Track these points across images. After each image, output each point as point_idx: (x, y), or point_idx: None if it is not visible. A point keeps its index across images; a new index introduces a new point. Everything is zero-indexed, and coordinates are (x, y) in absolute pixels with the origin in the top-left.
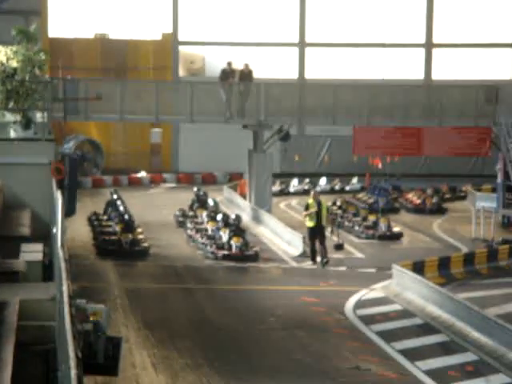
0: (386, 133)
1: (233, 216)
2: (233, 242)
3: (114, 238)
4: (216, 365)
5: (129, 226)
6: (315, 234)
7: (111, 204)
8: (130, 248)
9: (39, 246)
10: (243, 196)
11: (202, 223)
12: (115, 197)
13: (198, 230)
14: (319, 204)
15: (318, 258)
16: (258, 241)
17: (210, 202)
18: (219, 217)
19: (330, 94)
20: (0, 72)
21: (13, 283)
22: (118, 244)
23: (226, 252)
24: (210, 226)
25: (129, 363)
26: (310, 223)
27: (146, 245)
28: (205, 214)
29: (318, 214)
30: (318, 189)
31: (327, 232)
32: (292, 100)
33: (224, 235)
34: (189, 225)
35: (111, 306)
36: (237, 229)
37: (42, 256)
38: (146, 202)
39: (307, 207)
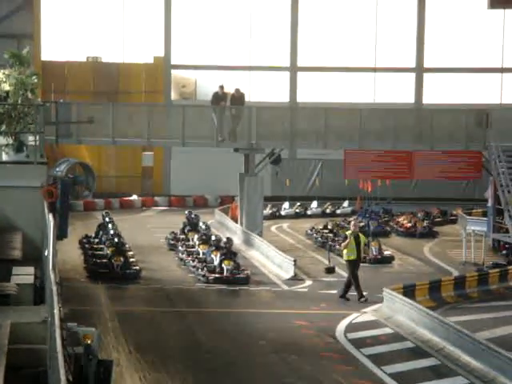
0: (376, 156)
1: (224, 239)
2: (224, 265)
3: (105, 260)
4: None
5: (120, 249)
6: (356, 268)
7: (103, 227)
8: (121, 271)
9: (31, 269)
10: (234, 219)
11: (193, 246)
12: (107, 219)
13: (189, 253)
14: (357, 237)
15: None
16: (249, 264)
17: (202, 225)
18: (211, 239)
19: (322, 118)
20: None
21: (4, 306)
22: (110, 267)
23: (217, 275)
24: (201, 249)
25: None
26: (350, 256)
27: (137, 268)
28: (196, 237)
29: (358, 247)
30: (309, 212)
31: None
32: (283, 123)
33: (215, 258)
34: (180, 248)
35: (102, 329)
36: (228, 252)
37: (33, 279)
38: (138, 225)
39: (345, 239)
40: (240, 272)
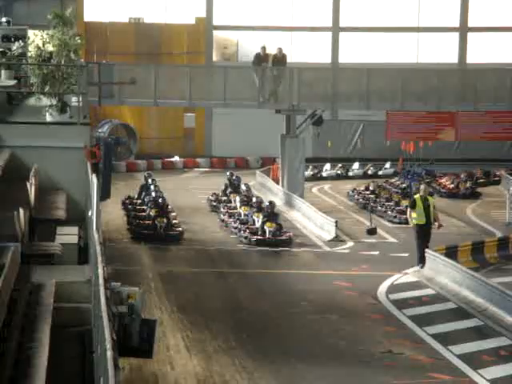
0: (419, 117)
1: (266, 202)
2: (266, 227)
3: (148, 222)
4: (249, 348)
5: (163, 210)
6: (424, 234)
7: (145, 188)
8: (164, 232)
9: (74, 229)
10: (276, 181)
11: (235, 208)
12: (149, 181)
13: (230, 215)
14: (426, 200)
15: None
16: (290, 225)
17: (243, 187)
18: (252, 201)
19: (364, 79)
20: (36, 56)
21: (49, 265)
22: (153, 228)
23: (259, 237)
24: (243, 211)
25: (163, 346)
26: (418, 221)
27: (180, 229)
28: (238, 198)
29: (427, 211)
30: (351, 173)
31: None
32: (325, 85)
33: (257, 220)
34: (222, 209)
35: (145, 289)
36: (270, 214)
37: (77, 239)
38: (180, 186)
39: (414, 203)
40: (282, 234)
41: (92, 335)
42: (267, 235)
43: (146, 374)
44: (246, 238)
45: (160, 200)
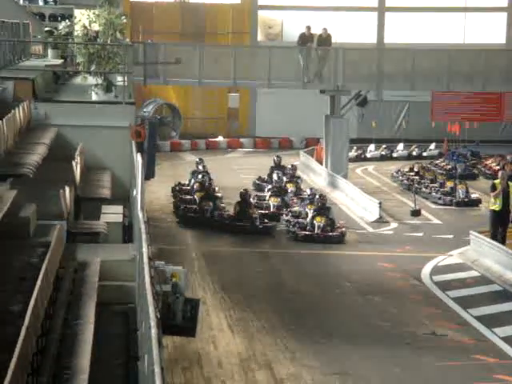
0: (465, 98)
1: (317, 196)
2: (316, 222)
3: (194, 206)
4: (292, 328)
5: (209, 193)
6: (499, 219)
7: (196, 174)
8: (210, 215)
9: (119, 208)
10: (320, 161)
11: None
12: (200, 167)
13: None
14: (507, 185)
15: None
16: (334, 206)
17: (288, 168)
18: (307, 192)
19: (409, 59)
20: (82, 35)
21: (93, 244)
22: (200, 212)
23: (307, 232)
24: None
25: (206, 325)
26: (494, 206)
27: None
28: (290, 189)
29: (505, 196)
30: (395, 154)
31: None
32: (370, 65)
33: (309, 212)
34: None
35: (188, 268)
36: (322, 207)
37: (122, 217)
38: (224, 167)
39: (494, 187)
40: (334, 230)
41: (136, 313)
42: (316, 230)
43: (189, 352)
44: (293, 233)
45: (207, 184)
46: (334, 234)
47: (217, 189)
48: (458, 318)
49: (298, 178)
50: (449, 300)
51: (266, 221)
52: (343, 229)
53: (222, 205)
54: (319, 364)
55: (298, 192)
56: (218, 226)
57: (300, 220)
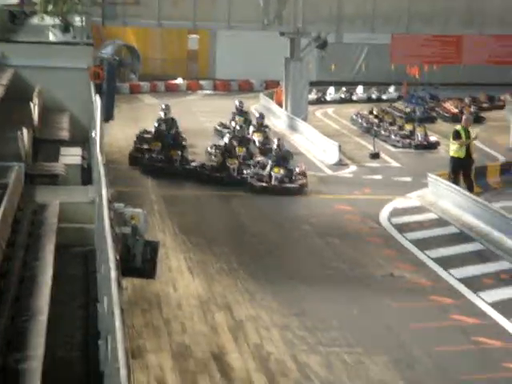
0: (424, 41)
1: (275, 142)
2: (273, 173)
3: (160, 157)
4: (251, 269)
5: (176, 142)
6: (462, 166)
7: (162, 121)
8: (180, 166)
9: (78, 150)
10: (279, 104)
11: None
12: (163, 114)
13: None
14: (467, 132)
15: None
16: (293, 149)
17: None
18: (274, 142)
19: (369, 1)
20: None
21: (52, 186)
22: (168, 162)
23: (263, 183)
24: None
25: (165, 267)
26: (456, 153)
27: (195, 164)
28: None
29: (468, 144)
30: (354, 97)
31: None
32: (330, 7)
33: (269, 162)
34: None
35: (148, 210)
36: (281, 156)
37: (80, 159)
38: (184, 109)
39: (457, 135)
40: (292, 181)
41: (95, 255)
42: (273, 182)
43: (148, 294)
44: (251, 185)
45: (173, 131)
46: (293, 185)
47: (184, 136)
48: (415, 259)
49: (266, 127)
50: (406, 242)
51: (244, 171)
52: (304, 181)
53: (190, 157)
54: (278, 305)
55: (265, 142)
56: (189, 177)
57: (259, 171)
